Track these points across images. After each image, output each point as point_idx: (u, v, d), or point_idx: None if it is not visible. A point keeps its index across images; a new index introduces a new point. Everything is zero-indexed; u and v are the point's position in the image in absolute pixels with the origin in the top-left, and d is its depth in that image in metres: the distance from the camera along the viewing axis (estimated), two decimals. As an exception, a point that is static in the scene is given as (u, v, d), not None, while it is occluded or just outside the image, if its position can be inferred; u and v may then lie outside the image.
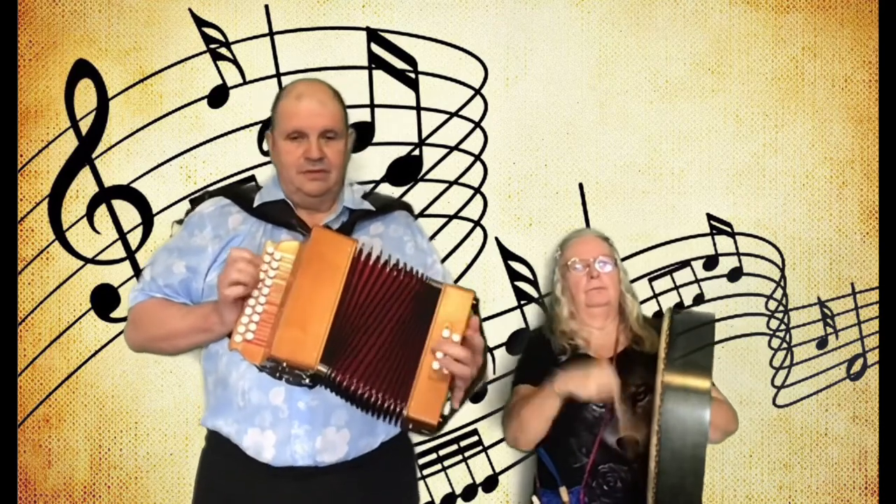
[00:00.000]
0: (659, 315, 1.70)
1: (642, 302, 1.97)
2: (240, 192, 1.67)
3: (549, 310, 1.95)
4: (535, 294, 2.04)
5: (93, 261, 1.91)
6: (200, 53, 1.93)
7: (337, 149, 1.55)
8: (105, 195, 1.91)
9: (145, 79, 1.92)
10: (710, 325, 1.62)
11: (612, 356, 1.76)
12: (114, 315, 1.91)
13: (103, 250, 1.91)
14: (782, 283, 2.09)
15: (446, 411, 1.38)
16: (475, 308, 1.42)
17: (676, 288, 2.07)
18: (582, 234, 1.91)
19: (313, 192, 1.54)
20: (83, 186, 1.91)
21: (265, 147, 1.64)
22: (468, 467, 2.02)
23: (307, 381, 1.34)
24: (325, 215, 1.60)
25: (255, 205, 1.59)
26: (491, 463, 2.02)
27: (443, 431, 1.58)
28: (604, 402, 1.64)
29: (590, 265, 1.81)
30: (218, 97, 1.93)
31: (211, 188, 1.89)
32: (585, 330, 1.82)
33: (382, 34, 1.97)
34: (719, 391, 1.77)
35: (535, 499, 1.71)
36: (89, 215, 1.91)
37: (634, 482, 1.56)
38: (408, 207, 1.79)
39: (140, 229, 1.91)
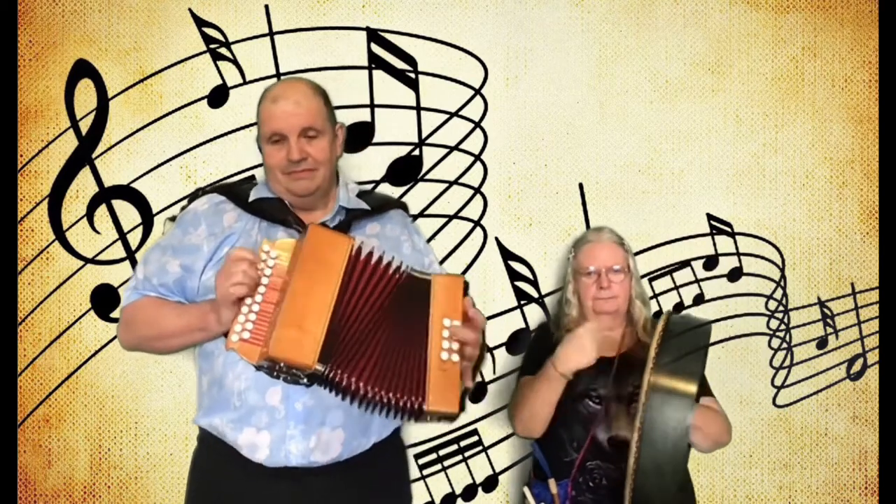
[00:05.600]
0: (659, 315, 1.71)
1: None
2: (235, 188, 1.65)
3: (558, 307, 1.94)
4: (535, 294, 2.04)
5: (93, 261, 1.91)
6: (200, 53, 1.93)
7: (320, 146, 1.54)
8: (105, 195, 1.91)
9: (145, 79, 1.92)
10: (705, 332, 1.64)
11: (614, 355, 1.76)
12: (114, 315, 1.90)
13: (103, 250, 1.91)
14: (782, 283, 2.09)
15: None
16: (466, 289, 1.45)
17: (676, 288, 2.07)
18: (597, 240, 1.86)
19: (300, 192, 1.54)
20: (83, 186, 1.91)
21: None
22: (468, 467, 2.02)
23: (305, 380, 1.33)
24: (321, 214, 1.59)
25: (251, 199, 1.57)
26: (491, 463, 2.02)
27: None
28: (605, 355, 1.68)
29: (601, 274, 1.80)
30: (218, 97, 1.93)
31: (206, 187, 1.89)
32: None
33: (382, 34, 1.97)
34: (717, 402, 1.77)
35: (526, 489, 1.73)
36: (89, 215, 1.91)
37: (620, 480, 1.58)
38: (404, 206, 1.78)
39: (140, 229, 1.91)
